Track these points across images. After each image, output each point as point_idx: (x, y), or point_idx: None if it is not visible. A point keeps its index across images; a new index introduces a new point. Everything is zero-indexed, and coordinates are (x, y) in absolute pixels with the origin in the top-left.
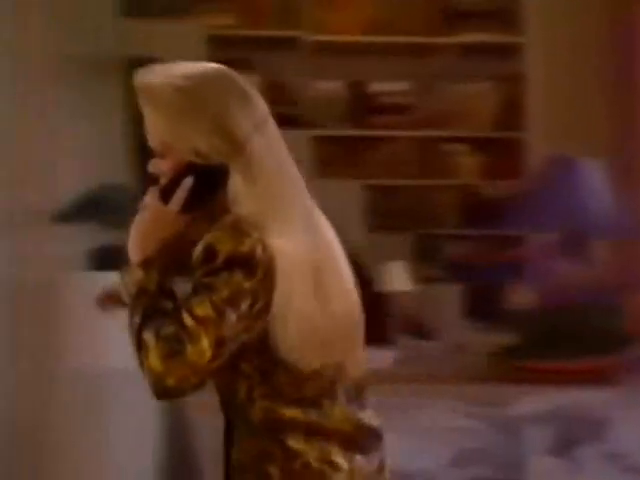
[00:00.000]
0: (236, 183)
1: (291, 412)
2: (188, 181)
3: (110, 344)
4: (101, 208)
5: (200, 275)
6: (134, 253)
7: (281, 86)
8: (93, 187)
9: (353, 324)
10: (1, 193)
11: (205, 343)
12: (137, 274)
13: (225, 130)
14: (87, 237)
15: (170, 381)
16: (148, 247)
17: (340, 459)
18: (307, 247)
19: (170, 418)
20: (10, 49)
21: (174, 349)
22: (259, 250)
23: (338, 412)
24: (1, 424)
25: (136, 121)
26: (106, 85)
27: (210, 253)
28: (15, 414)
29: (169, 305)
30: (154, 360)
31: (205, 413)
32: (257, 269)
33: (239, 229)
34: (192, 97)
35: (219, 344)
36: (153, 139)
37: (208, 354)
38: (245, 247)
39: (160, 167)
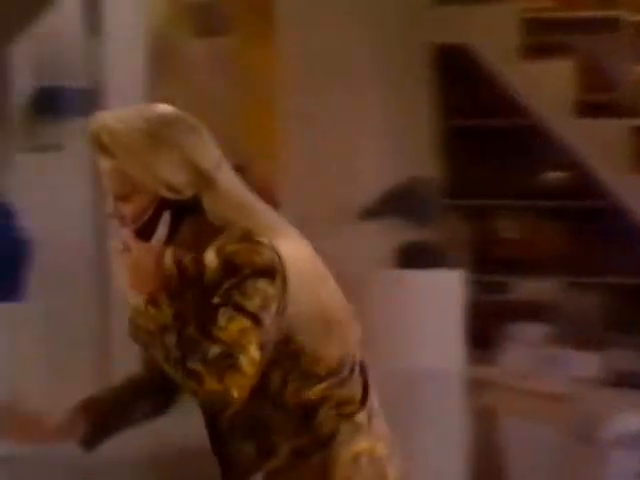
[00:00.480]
0: (215, 212)
1: (320, 388)
2: (166, 217)
3: (419, 343)
4: (408, 203)
5: (225, 289)
6: (134, 296)
7: (599, 71)
8: (400, 182)
9: (350, 310)
10: (306, 191)
11: (252, 350)
12: (150, 313)
13: (194, 163)
14: (394, 233)
15: (234, 394)
16: (146, 287)
17: (362, 419)
18: (303, 249)
19: (478, 420)
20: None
21: (226, 365)
22: (276, 257)
23: (356, 378)
24: None
25: (444, 113)
26: (415, 75)
27: (230, 268)
28: None
29: (193, 330)
30: (211, 383)
31: (511, 415)
32: (276, 274)
33: (252, 240)
34: (159, 137)
35: (262, 348)
36: (115, 183)
37: (257, 359)
38: (265, 257)
39: (122, 211)
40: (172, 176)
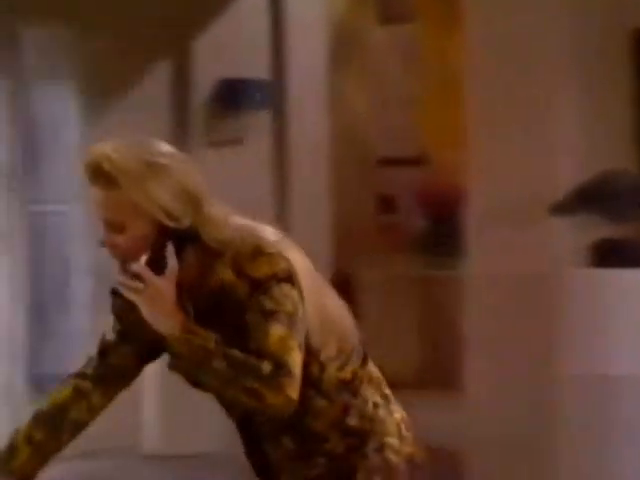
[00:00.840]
0: (213, 237)
1: (351, 369)
2: (170, 248)
3: (616, 348)
4: (603, 198)
5: (255, 302)
6: (167, 328)
7: None
8: (595, 175)
9: (349, 315)
10: (494, 183)
11: (295, 354)
12: (191, 340)
13: (189, 193)
14: (588, 229)
15: (293, 397)
16: (175, 317)
17: (389, 392)
18: (303, 259)
19: None
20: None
21: (281, 375)
22: (289, 264)
23: (371, 360)
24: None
25: None
26: (613, 62)
27: (254, 282)
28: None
29: (236, 351)
30: (273, 397)
31: None
32: (294, 279)
33: (264, 252)
34: (158, 166)
35: (300, 348)
36: (112, 213)
37: (300, 361)
38: (281, 265)
39: (115, 241)
40: (171, 204)
